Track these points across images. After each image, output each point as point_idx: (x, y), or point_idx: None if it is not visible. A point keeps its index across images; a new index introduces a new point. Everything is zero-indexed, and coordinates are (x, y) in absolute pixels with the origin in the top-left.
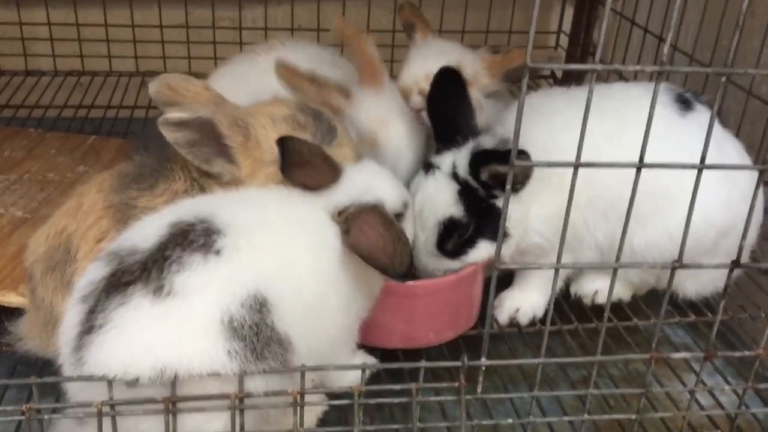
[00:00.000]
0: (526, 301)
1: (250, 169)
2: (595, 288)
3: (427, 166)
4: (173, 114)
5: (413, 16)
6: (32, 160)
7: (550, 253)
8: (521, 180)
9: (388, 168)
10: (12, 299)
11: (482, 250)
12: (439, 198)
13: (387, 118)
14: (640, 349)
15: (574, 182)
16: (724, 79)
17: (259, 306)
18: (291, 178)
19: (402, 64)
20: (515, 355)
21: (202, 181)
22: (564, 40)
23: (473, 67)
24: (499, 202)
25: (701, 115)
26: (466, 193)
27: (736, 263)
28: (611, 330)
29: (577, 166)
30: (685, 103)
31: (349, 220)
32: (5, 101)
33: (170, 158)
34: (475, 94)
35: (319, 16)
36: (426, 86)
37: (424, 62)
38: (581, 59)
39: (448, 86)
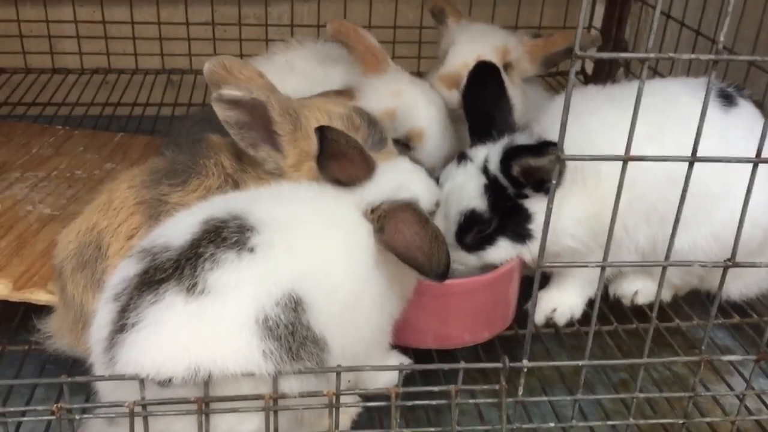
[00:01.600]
0: (563, 301)
1: (295, 160)
2: (634, 288)
3: (461, 157)
4: (229, 91)
5: (440, 1)
6: (60, 157)
7: (586, 255)
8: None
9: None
10: (41, 297)
11: (501, 250)
12: (465, 189)
13: (398, 89)
14: (682, 351)
15: (623, 178)
16: None
17: (294, 305)
18: (326, 169)
19: (444, 50)
20: (551, 356)
21: (237, 176)
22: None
23: (516, 51)
24: (527, 203)
25: (745, 110)
26: (493, 188)
27: None
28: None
29: (626, 159)
30: (727, 99)
31: (383, 217)
32: (32, 99)
33: (203, 154)
34: (517, 80)
35: (345, 13)
36: None
37: (472, 45)
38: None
39: (486, 81)
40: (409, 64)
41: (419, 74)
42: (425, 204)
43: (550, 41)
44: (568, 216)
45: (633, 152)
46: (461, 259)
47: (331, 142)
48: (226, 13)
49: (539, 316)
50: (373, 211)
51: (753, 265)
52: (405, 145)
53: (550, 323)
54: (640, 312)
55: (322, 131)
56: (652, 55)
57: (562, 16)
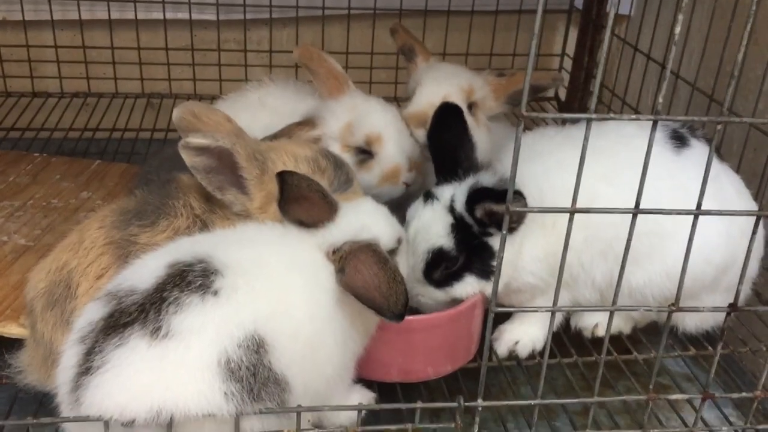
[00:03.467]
0: (525, 334)
1: (261, 202)
2: (595, 321)
3: (427, 195)
4: (195, 139)
5: (410, 39)
6: (36, 186)
7: (546, 291)
8: (516, 220)
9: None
10: (13, 330)
11: (468, 286)
12: (432, 227)
13: (353, 105)
14: (640, 380)
15: (570, 228)
16: (719, 127)
17: (257, 347)
18: (288, 212)
19: (412, 89)
20: (516, 385)
21: (205, 217)
22: (568, 63)
23: (482, 90)
24: (492, 240)
25: (697, 151)
26: (459, 227)
27: (733, 307)
28: (611, 361)
29: (572, 212)
30: (680, 140)
31: (343, 258)
32: (12, 123)
33: (172, 195)
34: (482, 119)
35: (323, 38)
36: None
37: (438, 86)
38: (584, 82)
39: (449, 122)
40: (386, 89)
41: (396, 99)
42: (386, 243)
43: (514, 80)
44: (528, 254)
45: (588, 192)
46: (430, 294)
47: (292, 187)
48: (206, 37)
49: (502, 349)
50: (334, 252)
51: (696, 309)
52: (368, 152)
53: (512, 355)
54: (601, 343)
55: (282, 177)
56: (594, 116)
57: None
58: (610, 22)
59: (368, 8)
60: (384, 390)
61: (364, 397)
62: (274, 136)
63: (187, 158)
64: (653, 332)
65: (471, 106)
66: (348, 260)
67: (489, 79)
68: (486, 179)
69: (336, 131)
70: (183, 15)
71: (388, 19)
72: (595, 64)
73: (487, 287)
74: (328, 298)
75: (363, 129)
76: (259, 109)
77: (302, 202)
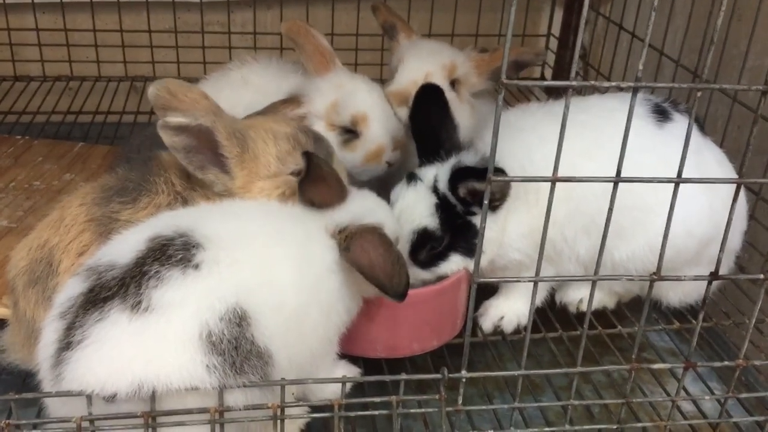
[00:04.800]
0: (510, 309)
1: (243, 181)
2: (580, 296)
3: (410, 177)
4: (174, 118)
5: (392, 17)
6: (19, 168)
7: (531, 267)
8: (499, 197)
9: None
10: None
11: (453, 264)
12: (416, 208)
13: (338, 83)
14: (625, 355)
15: (552, 197)
16: (699, 94)
17: (239, 319)
18: (305, 192)
19: (394, 66)
20: (502, 361)
21: (186, 194)
22: (554, 43)
23: (464, 66)
24: (476, 219)
25: (679, 125)
26: (443, 207)
27: (714, 275)
28: (596, 336)
29: (554, 181)
30: (662, 114)
31: (349, 238)
32: None
33: (153, 172)
34: (465, 95)
35: (308, 20)
36: None
37: (420, 63)
38: (570, 62)
39: (430, 103)
40: (371, 71)
41: (381, 81)
42: (389, 233)
43: (496, 56)
44: (513, 231)
45: (569, 166)
46: (416, 275)
47: (317, 167)
48: (189, 20)
49: (487, 324)
50: (341, 231)
51: (677, 278)
52: (353, 132)
53: (497, 330)
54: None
55: (309, 156)
56: (574, 83)
57: (522, 23)
58: None
59: None
60: (370, 366)
61: (349, 372)
62: (260, 115)
63: (166, 138)
64: (638, 308)
65: (454, 82)
66: (354, 239)
67: (471, 56)
68: (468, 159)
69: (321, 110)
70: None
71: (373, 0)
72: (583, 44)
73: (472, 265)
74: (314, 271)
75: (349, 109)
76: (242, 87)
77: (320, 183)
